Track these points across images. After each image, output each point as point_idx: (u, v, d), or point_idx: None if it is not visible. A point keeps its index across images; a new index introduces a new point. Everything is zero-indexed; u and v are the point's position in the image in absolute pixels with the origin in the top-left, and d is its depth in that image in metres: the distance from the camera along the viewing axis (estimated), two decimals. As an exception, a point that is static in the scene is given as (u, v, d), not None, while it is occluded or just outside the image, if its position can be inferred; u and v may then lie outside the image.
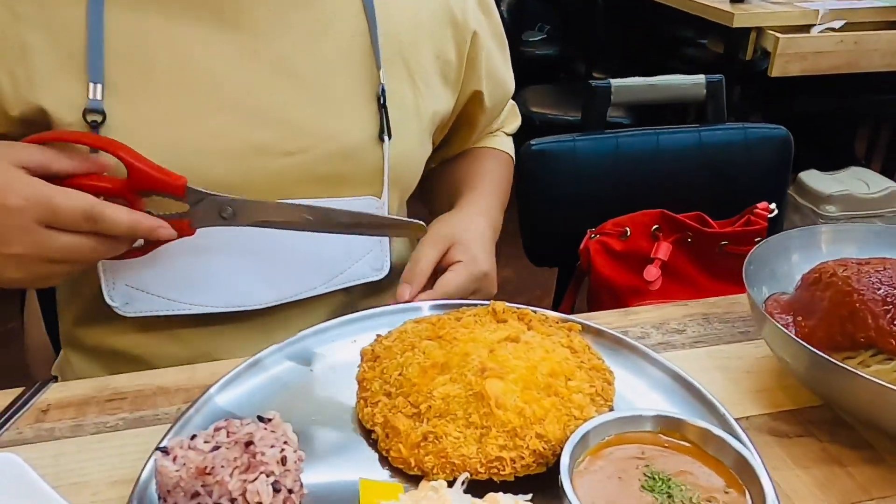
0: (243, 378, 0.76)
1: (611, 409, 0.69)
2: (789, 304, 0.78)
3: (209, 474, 0.55)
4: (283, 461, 0.58)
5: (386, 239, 0.91)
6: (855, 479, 0.65)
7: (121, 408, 0.75)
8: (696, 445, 0.62)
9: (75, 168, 0.72)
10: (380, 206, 0.88)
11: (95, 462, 0.68)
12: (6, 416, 0.73)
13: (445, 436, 0.64)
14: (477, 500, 0.59)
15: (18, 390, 0.78)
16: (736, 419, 0.68)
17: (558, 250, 1.62)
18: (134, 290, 0.82)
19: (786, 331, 0.70)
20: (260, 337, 0.86)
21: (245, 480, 0.55)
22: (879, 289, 0.70)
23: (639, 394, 0.74)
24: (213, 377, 0.79)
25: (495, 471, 0.62)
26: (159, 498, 0.58)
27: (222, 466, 0.56)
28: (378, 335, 0.79)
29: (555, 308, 1.75)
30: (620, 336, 0.81)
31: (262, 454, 0.57)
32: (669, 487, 0.59)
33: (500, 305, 0.79)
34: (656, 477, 0.60)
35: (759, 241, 1.48)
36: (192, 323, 0.87)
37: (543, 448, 0.63)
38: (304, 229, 0.80)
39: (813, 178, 2.94)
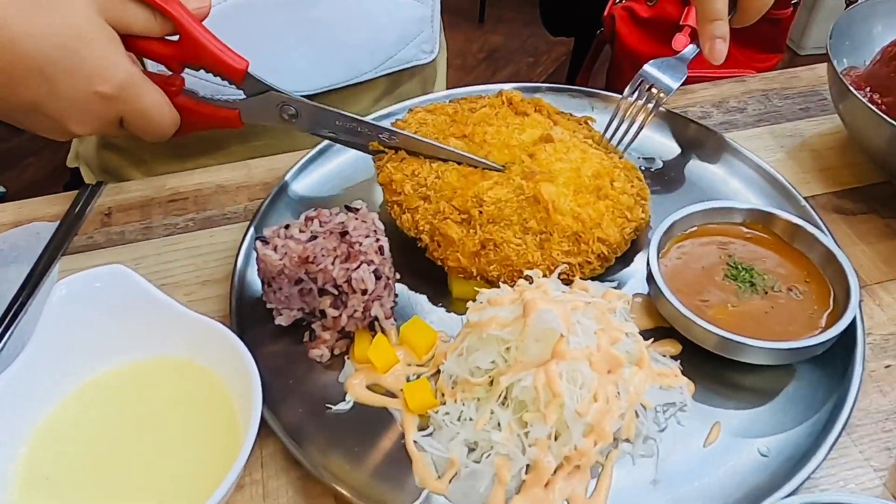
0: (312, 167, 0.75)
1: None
2: (865, 78, 0.75)
3: (312, 262, 0.56)
4: (381, 251, 0.59)
5: (438, 18, 0.84)
6: (916, 252, 0.69)
7: (185, 208, 0.74)
8: (780, 238, 0.64)
9: (148, 29, 0.60)
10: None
11: (177, 264, 0.68)
12: (70, 221, 0.72)
13: (505, 243, 0.62)
14: (566, 287, 0.61)
15: (66, 195, 0.76)
16: (804, 198, 0.70)
17: (578, 18, 1.52)
18: None
19: (871, 106, 0.68)
20: None
21: (348, 269, 0.56)
22: (970, 63, 0.67)
23: (707, 175, 0.75)
24: (271, 173, 0.77)
25: (564, 277, 0.62)
26: (263, 283, 0.60)
27: (323, 255, 0.57)
28: (391, 124, 0.70)
29: (569, 80, 1.69)
30: (686, 117, 0.79)
31: (360, 244, 0.58)
32: (752, 276, 0.61)
33: (516, 95, 0.73)
34: (739, 266, 0.62)
35: (795, 3, 1.40)
36: None
37: (607, 251, 0.63)
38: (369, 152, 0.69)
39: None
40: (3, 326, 0.62)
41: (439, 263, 0.64)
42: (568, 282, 0.62)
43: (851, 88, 0.69)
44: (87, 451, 0.51)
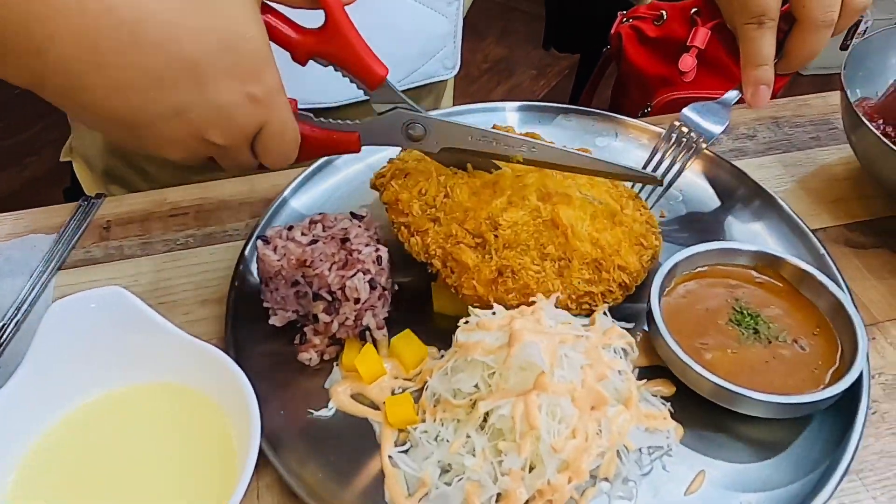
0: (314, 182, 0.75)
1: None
2: (878, 109, 0.74)
3: (308, 266, 0.56)
4: (378, 260, 0.58)
5: (460, 34, 0.83)
6: (928, 289, 0.68)
7: (186, 224, 0.72)
8: (790, 285, 0.62)
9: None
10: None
11: (176, 282, 0.67)
12: (68, 234, 0.70)
13: (523, 270, 0.59)
14: (572, 318, 0.58)
15: (65, 207, 0.74)
16: (812, 231, 0.69)
17: (585, 35, 1.52)
18: None
19: (884, 139, 0.67)
20: None
21: (343, 276, 0.56)
22: None
23: (713, 205, 0.74)
24: (274, 189, 0.76)
25: (586, 306, 0.60)
26: (261, 281, 0.61)
27: (321, 260, 0.57)
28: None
29: (574, 98, 1.68)
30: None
31: (359, 252, 0.57)
32: (756, 323, 0.59)
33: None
34: (745, 311, 0.60)
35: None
36: None
37: (628, 280, 0.61)
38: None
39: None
40: (-4, 342, 0.61)
41: (452, 291, 0.60)
42: (590, 311, 0.60)
43: (864, 120, 0.68)
44: (79, 477, 0.49)
